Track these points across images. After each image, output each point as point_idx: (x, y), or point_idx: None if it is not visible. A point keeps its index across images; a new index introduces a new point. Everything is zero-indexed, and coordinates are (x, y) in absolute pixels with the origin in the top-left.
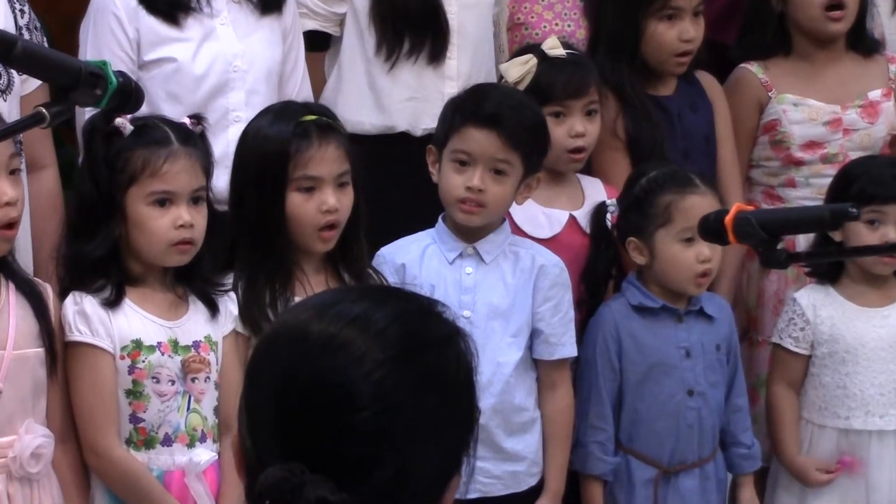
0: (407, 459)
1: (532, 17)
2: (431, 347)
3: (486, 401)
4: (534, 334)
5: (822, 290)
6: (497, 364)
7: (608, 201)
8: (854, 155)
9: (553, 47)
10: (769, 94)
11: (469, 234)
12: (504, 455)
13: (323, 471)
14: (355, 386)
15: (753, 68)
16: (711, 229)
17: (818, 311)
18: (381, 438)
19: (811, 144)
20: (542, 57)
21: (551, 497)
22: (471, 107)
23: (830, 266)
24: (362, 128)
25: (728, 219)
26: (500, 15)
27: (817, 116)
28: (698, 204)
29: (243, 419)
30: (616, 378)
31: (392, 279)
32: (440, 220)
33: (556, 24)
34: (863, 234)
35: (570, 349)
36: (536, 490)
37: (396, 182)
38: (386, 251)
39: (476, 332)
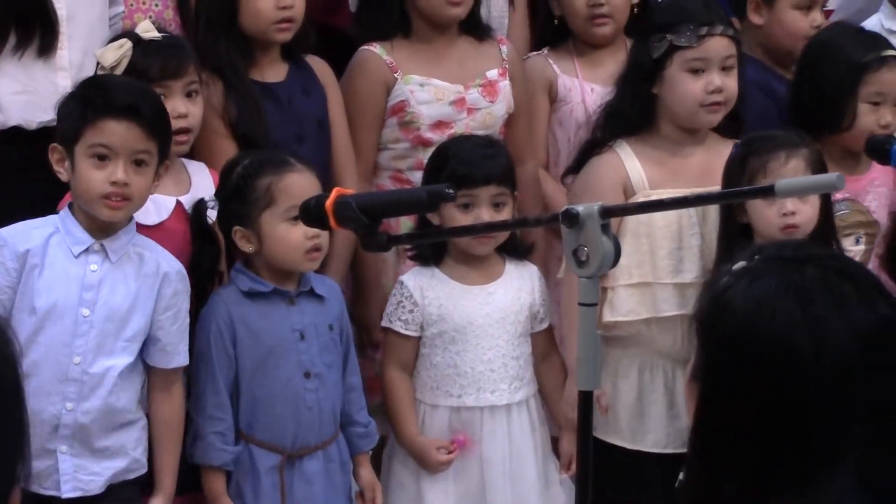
0: None
1: None
2: None
3: (91, 402)
4: (150, 341)
5: (428, 272)
6: (107, 368)
7: (207, 197)
8: (479, 134)
9: (147, 30)
10: (395, 74)
11: (98, 230)
12: (103, 453)
13: None
14: None
15: (377, 49)
16: (313, 214)
17: (425, 292)
18: None
19: (439, 124)
20: (137, 40)
21: (164, 496)
22: (102, 99)
23: (433, 249)
24: None
25: (328, 203)
26: None
27: (443, 96)
28: (298, 181)
29: None
30: (232, 366)
31: (12, 265)
32: (67, 209)
33: (144, 4)
34: (457, 217)
35: (183, 357)
36: (138, 480)
37: (15, 178)
38: (7, 233)
39: (92, 332)
